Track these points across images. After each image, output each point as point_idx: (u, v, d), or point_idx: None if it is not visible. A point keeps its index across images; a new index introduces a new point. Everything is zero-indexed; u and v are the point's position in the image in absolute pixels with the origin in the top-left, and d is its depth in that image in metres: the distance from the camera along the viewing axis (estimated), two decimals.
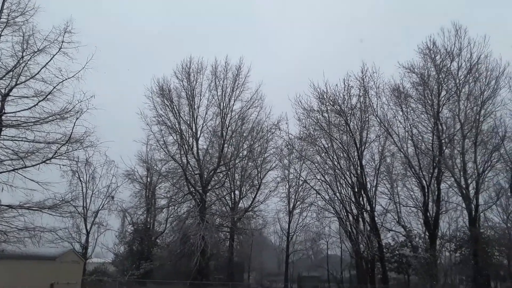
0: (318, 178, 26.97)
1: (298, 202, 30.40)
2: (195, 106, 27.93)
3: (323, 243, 35.45)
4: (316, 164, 27.15)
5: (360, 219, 25.19)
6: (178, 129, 27.16)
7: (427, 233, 24.96)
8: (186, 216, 27.04)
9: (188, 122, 27.65)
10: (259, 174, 29.12)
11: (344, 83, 25.55)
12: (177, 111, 27.38)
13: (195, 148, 27.44)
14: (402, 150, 24.55)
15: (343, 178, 25.66)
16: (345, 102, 25.62)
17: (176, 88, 27.78)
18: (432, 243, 23.89)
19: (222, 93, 28.44)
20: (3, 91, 15.18)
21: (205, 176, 27.11)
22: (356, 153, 25.36)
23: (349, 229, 25.27)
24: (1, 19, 15.14)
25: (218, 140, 28.27)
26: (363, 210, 25.16)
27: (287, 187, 30.61)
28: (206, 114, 28.11)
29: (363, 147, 25.48)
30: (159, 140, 26.98)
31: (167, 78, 27.68)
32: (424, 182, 24.17)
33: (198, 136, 27.78)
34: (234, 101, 28.56)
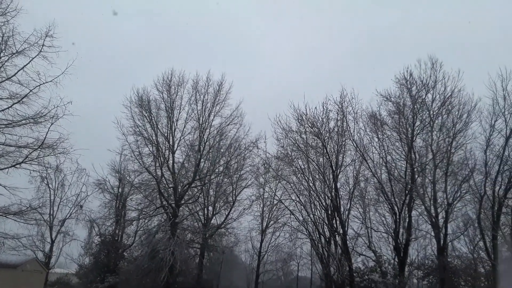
0: (293, 198, 27.01)
1: (272, 222, 30.34)
2: (174, 119, 27.75)
3: (294, 264, 35.36)
4: (292, 184, 27.22)
5: (332, 242, 25.26)
6: (154, 141, 26.83)
7: (396, 259, 25.24)
8: (157, 230, 26.45)
9: (166, 135, 27.37)
10: (234, 191, 28.94)
11: (323, 107, 25.93)
12: (155, 123, 27.10)
13: (170, 161, 27.11)
14: (376, 175, 24.96)
15: (317, 199, 25.79)
16: (323, 125, 25.96)
17: (156, 100, 27.58)
18: (401, 269, 24.13)
19: (202, 107, 28.42)
20: None
21: (179, 190, 26.74)
22: (331, 176, 25.61)
23: (321, 251, 25.28)
24: None
25: (195, 155, 28.05)
26: (336, 233, 25.27)
27: (261, 205, 30.54)
28: (184, 127, 28.02)
29: (338, 170, 25.76)
30: (134, 150, 26.53)
31: (147, 89, 27.47)
32: (396, 208, 24.56)
33: (175, 149, 27.52)
34: (214, 117, 28.60)
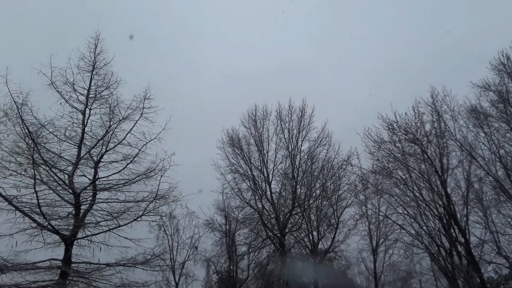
0: (400, 212, 25.56)
1: (382, 239, 28.91)
2: (264, 151, 28.63)
3: (415, 282, 32.84)
4: (396, 197, 25.86)
5: (455, 253, 23.14)
6: (250, 175, 27.87)
7: None
8: (267, 261, 26.92)
9: (260, 168, 28.28)
10: (336, 213, 28.39)
11: (414, 111, 24.71)
12: (247, 158, 28.25)
13: (268, 192, 27.79)
14: (490, 173, 22.58)
15: (428, 209, 24.06)
16: (418, 129, 24.59)
17: (245, 136, 28.86)
18: None
19: (289, 135, 28.93)
20: (95, 158, 16.85)
21: (281, 219, 27.08)
22: (438, 182, 23.83)
23: (443, 265, 23.27)
24: (90, 95, 17.15)
25: (290, 182, 28.37)
26: (457, 243, 23.14)
27: (367, 224, 29.38)
28: (275, 157, 28.67)
29: (445, 174, 23.90)
30: (234, 187, 27.79)
31: (235, 128, 28.93)
32: None
33: (270, 180, 28.19)
34: (302, 142, 28.85)
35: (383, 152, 25.89)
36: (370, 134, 25.86)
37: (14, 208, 14.03)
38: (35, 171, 13.68)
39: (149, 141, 16.79)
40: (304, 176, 28.52)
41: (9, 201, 13.95)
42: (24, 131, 14.27)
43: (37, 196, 13.56)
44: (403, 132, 24.91)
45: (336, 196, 28.54)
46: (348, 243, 28.94)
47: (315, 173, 28.96)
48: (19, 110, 14.26)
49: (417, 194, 24.47)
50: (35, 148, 13.88)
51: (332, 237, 28.11)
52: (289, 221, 27.76)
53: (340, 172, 28.52)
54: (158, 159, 16.54)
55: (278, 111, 29.13)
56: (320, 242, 28.64)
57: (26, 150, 14.38)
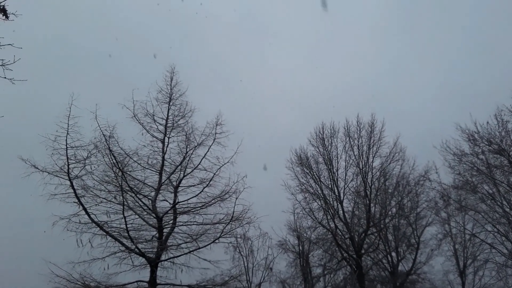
0: (489, 229, 23.49)
1: (469, 260, 26.58)
2: (334, 170, 28.09)
3: None
4: (482, 214, 23.87)
5: None
6: (321, 194, 27.45)
7: None
8: (344, 284, 26.03)
9: (330, 186, 27.76)
10: (415, 232, 26.82)
11: (496, 119, 22.87)
12: (317, 177, 27.92)
13: (340, 212, 27.10)
14: None
15: None
16: (503, 139, 22.66)
17: (313, 155, 28.60)
18: None
19: (358, 152, 28.17)
20: (174, 183, 17.84)
21: (356, 239, 26.19)
22: None
23: None
24: (168, 124, 18.32)
25: (363, 201, 27.47)
26: None
27: (451, 243, 27.27)
28: (346, 175, 27.93)
29: None
30: (305, 207, 27.52)
31: (303, 147, 28.83)
32: None
33: (342, 198, 27.49)
34: (373, 158, 27.87)
35: (464, 165, 24.24)
36: (449, 147, 24.42)
37: (105, 233, 15.26)
38: (123, 198, 14.82)
39: (223, 165, 17.42)
40: (378, 193, 27.44)
41: (101, 226, 15.21)
42: (112, 161, 15.61)
43: (125, 221, 14.63)
44: (486, 143, 23.13)
45: (415, 214, 27.07)
46: (431, 264, 27.08)
47: (389, 190, 27.81)
48: (107, 142, 15.66)
49: (507, 210, 22.38)
50: (123, 177, 15.07)
51: (413, 258, 26.49)
52: (365, 242, 26.72)
53: (417, 188, 27.13)
54: (231, 182, 17.08)
55: (346, 128, 28.61)
56: (400, 264, 27.10)
57: (114, 178, 15.65)
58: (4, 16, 8.25)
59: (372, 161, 27.80)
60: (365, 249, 26.56)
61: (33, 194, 14.25)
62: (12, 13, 8.24)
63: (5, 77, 8.30)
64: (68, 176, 14.38)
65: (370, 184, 27.42)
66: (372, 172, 27.75)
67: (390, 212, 27.44)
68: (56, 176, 14.43)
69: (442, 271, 28.24)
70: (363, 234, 26.45)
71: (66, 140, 14.31)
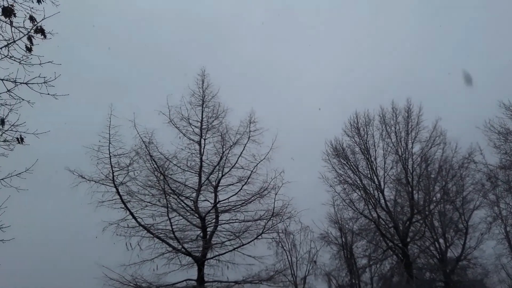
0: None
1: None
2: (372, 159, 27.58)
3: None
4: None
5: None
6: (360, 184, 27.05)
7: None
8: (391, 273, 25.56)
9: (369, 176, 27.30)
10: (463, 217, 25.86)
11: None
12: (355, 167, 27.53)
13: (382, 201, 26.61)
14: None
15: None
16: None
17: (349, 145, 28.18)
18: None
19: (396, 138, 27.52)
20: (214, 183, 18.25)
21: (401, 228, 25.62)
22: None
23: None
24: (203, 126, 18.73)
25: (405, 188, 26.84)
26: None
27: (502, 226, 26.07)
28: (385, 163, 27.37)
29: None
30: (345, 199, 27.19)
31: (338, 138, 28.47)
32: None
33: (383, 187, 26.97)
34: (412, 144, 27.15)
35: (511, 144, 23.11)
36: (493, 126, 23.35)
37: (152, 235, 15.89)
38: (167, 200, 15.37)
39: (259, 162, 17.67)
40: (420, 180, 26.71)
41: (148, 229, 15.86)
42: (153, 166, 16.22)
43: (170, 223, 15.19)
44: None
45: (461, 198, 26.11)
46: (482, 249, 25.96)
47: (432, 176, 26.98)
48: (148, 148, 16.30)
49: None
50: (164, 180, 15.63)
51: (463, 243, 25.56)
52: (410, 230, 26.09)
53: (461, 171, 26.14)
54: (269, 178, 17.26)
55: (381, 115, 28.00)
56: (449, 250, 26.21)
57: (156, 182, 16.27)
58: (43, 36, 8.78)
59: (412, 147, 27.12)
60: (411, 237, 25.96)
61: (83, 203, 15.07)
62: (49, 32, 8.78)
63: (48, 93, 8.85)
64: (114, 183, 15.07)
65: (411, 171, 26.74)
66: (412, 158, 27.05)
67: (434, 198, 26.65)
68: (103, 184, 15.18)
69: (494, 255, 27.04)
70: (408, 222, 25.84)
71: (109, 149, 15.02)
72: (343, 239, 28.27)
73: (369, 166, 27.52)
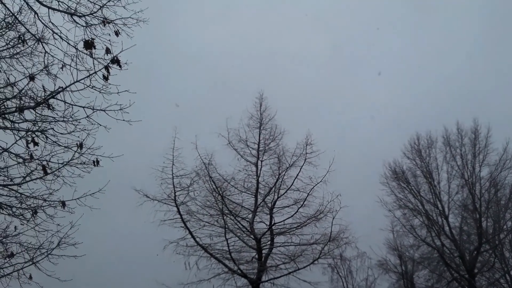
0: None
1: None
2: (435, 183, 26.23)
3: None
4: None
5: None
6: (422, 210, 25.75)
7: None
8: None
9: (432, 201, 25.95)
10: None
11: None
12: (416, 191, 26.30)
13: (446, 228, 25.08)
14: None
15: None
16: None
17: (410, 168, 27.05)
18: None
19: (462, 162, 26.02)
20: (269, 205, 18.30)
21: (467, 258, 23.89)
22: None
23: None
24: (260, 148, 18.97)
25: (472, 215, 25.14)
26: None
27: None
28: (449, 188, 25.91)
29: None
30: (405, 224, 26.00)
31: (397, 160, 27.43)
32: None
33: (447, 213, 25.47)
34: (480, 167, 25.51)
35: None
36: None
37: (209, 255, 16.21)
38: (224, 220, 15.68)
39: (316, 185, 17.40)
40: (489, 206, 24.93)
41: (205, 249, 16.20)
42: (212, 187, 16.67)
43: (227, 243, 15.45)
44: None
45: None
46: None
47: (502, 202, 25.19)
48: (207, 169, 16.82)
49: None
50: (222, 201, 15.98)
51: None
52: (478, 260, 24.26)
53: None
54: (325, 201, 16.96)
55: (445, 137, 26.67)
56: None
57: (215, 203, 16.67)
58: (119, 66, 9.53)
59: (480, 171, 25.49)
60: (479, 268, 24.10)
61: (146, 221, 15.80)
62: (125, 63, 9.51)
63: (123, 120, 9.53)
64: (175, 203, 15.68)
65: (479, 196, 25.05)
66: (480, 183, 25.38)
67: (505, 226, 24.73)
68: (165, 203, 15.83)
69: None
70: (475, 252, 24.09)
71: (172, 170, 15.71)
72: (403, 267, 26.90)
73: (432, 190, 26.20)
